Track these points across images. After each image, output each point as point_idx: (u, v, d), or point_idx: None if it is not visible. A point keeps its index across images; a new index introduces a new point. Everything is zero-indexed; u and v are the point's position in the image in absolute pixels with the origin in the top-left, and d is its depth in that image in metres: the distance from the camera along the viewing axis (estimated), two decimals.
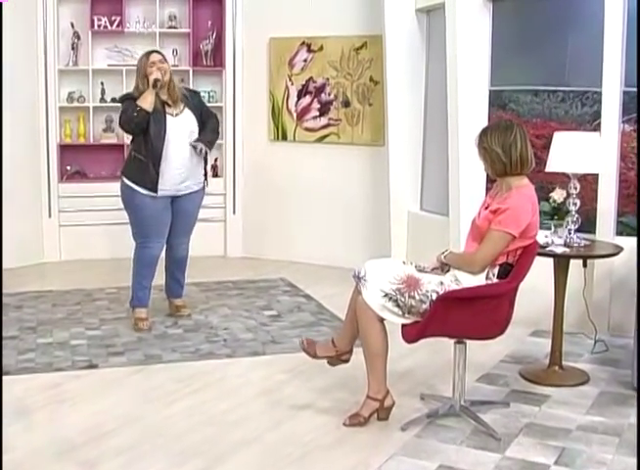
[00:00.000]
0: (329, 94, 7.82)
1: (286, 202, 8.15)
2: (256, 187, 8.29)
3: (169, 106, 5.71)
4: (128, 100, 5.67)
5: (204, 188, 6.00)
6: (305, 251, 8.03)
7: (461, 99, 6.14)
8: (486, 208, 4.12)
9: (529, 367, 5.06)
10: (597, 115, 6.08)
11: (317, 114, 7.90)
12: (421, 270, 4.09)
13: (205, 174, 5.96)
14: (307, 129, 7.97)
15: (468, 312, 3.89)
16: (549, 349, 5.07)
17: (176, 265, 6.09)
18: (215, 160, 8.32)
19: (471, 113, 6.19)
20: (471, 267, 4.00)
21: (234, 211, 8.41)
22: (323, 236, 7.98)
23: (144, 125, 5.56)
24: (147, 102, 5.54)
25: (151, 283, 5.88)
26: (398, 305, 4.00)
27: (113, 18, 7.99)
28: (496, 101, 6.58)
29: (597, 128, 5.91)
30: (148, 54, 5.72)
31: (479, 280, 3.99)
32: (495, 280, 4.00)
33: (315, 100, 7.89)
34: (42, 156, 7.99)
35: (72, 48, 8.01)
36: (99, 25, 7.98)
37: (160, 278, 6.07)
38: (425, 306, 3.97)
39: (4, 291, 6.36)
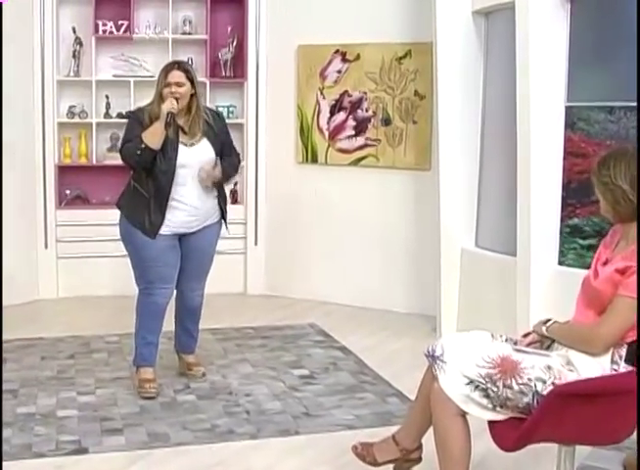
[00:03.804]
0: (366, 110, 6.86)
1: (315, 233, 7.18)
2: (282, 216, 7.33)
3: (185, 133, 4.71)
4: (133, 121, 4.67)
5: (220, 222, 4.97)
6: (337, 290, 7.06)
7: (533, 117, 5.13)
8: (605, 263, 3.07)
9: (634, 458, 3.97)
10: None
11: (353, 133, 6.94)
12: (518, 349, 3.05)
13: (223, 211, 4.94)
14: (341, 150, 7.01)
15: (589, 413, 2.82)
16: None
17: (188, 315, 5.08)
18: (235, 184, 7.36)
19: (544, 133, 5.18)
20: (590, 346, 2.95)
21: (256, 243, 7.45)
22: (357, 273, 7.01)
23: (149, 164, 4.58)
24: (155, 139, 4.52)
25: (158, 338, 4.86)
26: (488, 396, 2.97)
27: (119, 22, 7.12)
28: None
29: None
30: (167, 69, 4.69)
31: (601, 365, 2.94)
32: (623, 365, 2.94)
33: (350, 117, 6.93)
34: (38, 178, 7.08)
35: (74, 56, 7.15)
36: (104, 31, 7.11)
37: (169, 324, 5.04)
38: (526, 400, 2.93)
39: None
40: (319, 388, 4.95)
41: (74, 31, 7.08)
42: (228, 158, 4.90)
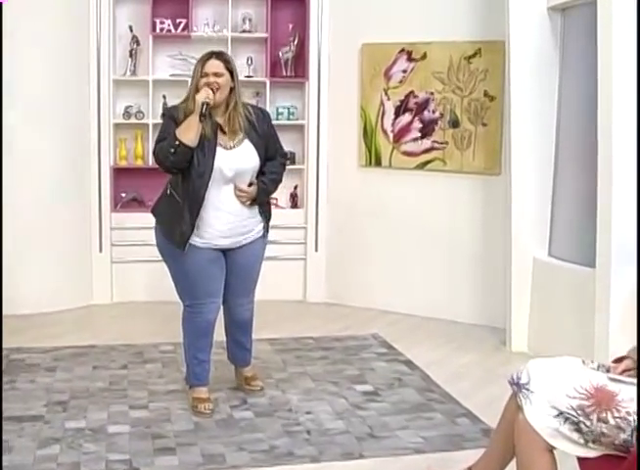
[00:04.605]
0: (433, 111, 6.53)
1: (377, 239, 6.87)
2: (343, 221, 7.04)
3: (224, 133, 4.33)
4: (167, 119, 4.31)
5: (265, 236, 4.59)
6: (400, 299, 6.75)
7: (616, 119, 4.79)
8: None
9: None
10: None
11: (418, 135, 6.60)
12: (615, 379, 2.74)
13: (267, 220, 4.56)
14: (406, 154, 6.68)
15: None
16: None
17: (238, 329, 4.75)
18: (295, 188, 7.10)
19: (628, 136, 4.82)
20: None
21: (316, 249, 7.18)
22: (422, 282, 6.70)
23: (184, 164, 4.18)
24: (190, 134, 4.11)
25: (210, 355, 4.58)
26: (579, 431, 2.67)
27: (177, 20, 6.88)
28: None
29: None
30: (205, 58, 4.30)
31: None
32: None
33: (416, 118, 6.60)
34: (92, 180, 6.87)
35: (130, 55, 6.92)
36: (161, 29, 6.87)
37: (220, 334, 4.75)
38: (623, 436, 2.62)
39: (37, 345, 5.56)
40: (383, 406, 4.65)
41: (131, 30, 6.87)
42: (271, 164, 4.50)
